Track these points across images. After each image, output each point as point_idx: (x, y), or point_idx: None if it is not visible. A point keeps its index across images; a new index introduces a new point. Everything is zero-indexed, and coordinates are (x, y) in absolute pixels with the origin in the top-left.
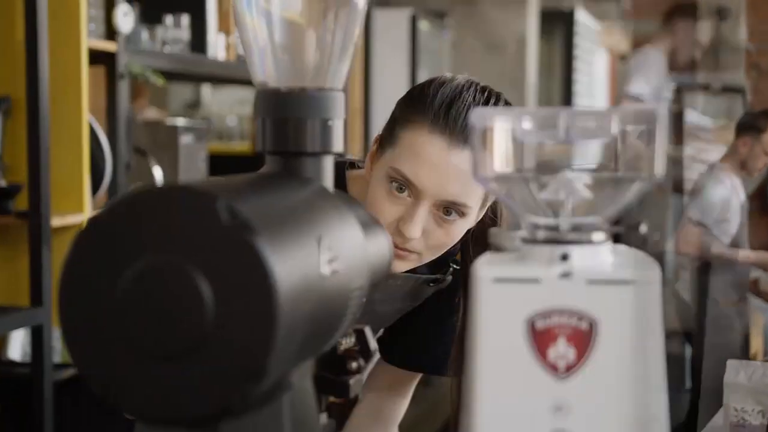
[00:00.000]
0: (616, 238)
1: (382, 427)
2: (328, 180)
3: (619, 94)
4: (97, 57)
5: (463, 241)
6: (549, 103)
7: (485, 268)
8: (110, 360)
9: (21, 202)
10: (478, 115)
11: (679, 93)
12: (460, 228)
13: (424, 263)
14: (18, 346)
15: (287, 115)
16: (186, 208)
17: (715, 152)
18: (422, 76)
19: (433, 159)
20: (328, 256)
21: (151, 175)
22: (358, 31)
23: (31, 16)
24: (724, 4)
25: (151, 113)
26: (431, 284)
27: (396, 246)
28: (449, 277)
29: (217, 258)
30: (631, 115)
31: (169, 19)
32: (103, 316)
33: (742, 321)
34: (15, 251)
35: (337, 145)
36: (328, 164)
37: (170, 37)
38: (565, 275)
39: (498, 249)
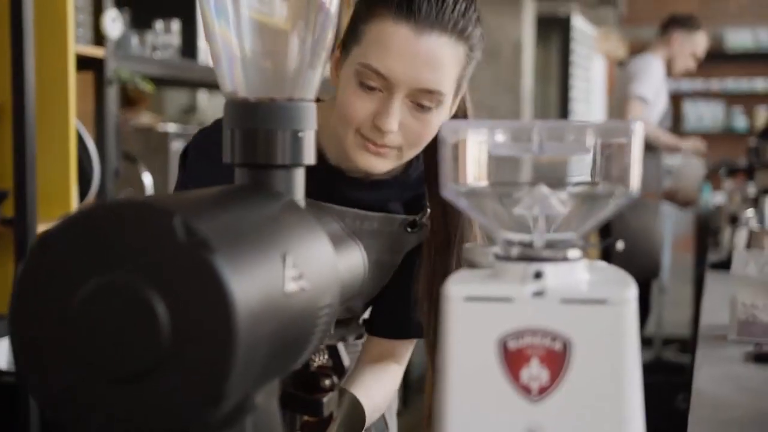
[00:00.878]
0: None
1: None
2: (299, 193)
3: (619, 96)
4: (85, 62)
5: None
6: (545, 109)
7: (456, 286)
8: (63, 381)
9: (7, 209)
10: (448, 128)
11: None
12: (436, 119)
13: (404, 161)
14: (4, 354)
15: (257, 126)
16: (142, 224)
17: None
18: None
19: (401, 48)
20: (294, 273)
21: (140, 182)
22: (330, 37)
23: (17, 21)
24: None
25: (145, 118)
26: (409, 229)
27: (374, 143)
28: (426, 223)
29: (173, 277)
30: (606, 130)
31: (159, 24)
32: (56, 336)
33: (656, 217)
34: (1, 259)
35: (308, 157)
36: (299, 176)
37: (160, 43)
38: (538, 294)
39: (471, 265)
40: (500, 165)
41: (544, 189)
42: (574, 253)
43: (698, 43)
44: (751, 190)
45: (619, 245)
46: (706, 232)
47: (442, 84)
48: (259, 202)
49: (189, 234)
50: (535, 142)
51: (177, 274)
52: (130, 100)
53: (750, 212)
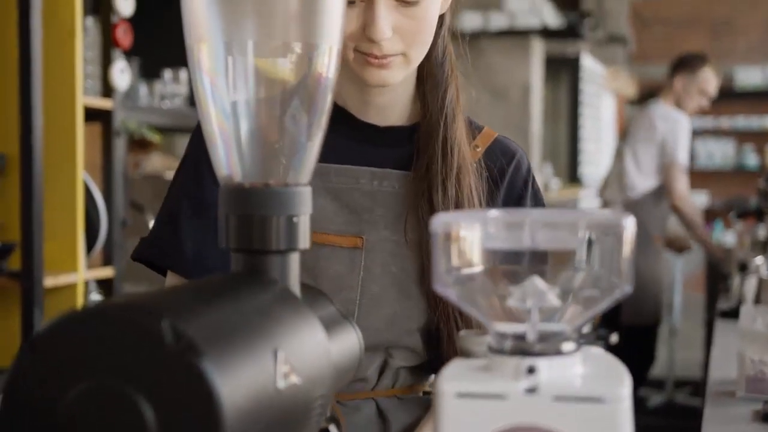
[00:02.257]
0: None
1: None
2: (294, 278)
3: (660, 160)
4: (93, 113)
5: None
6: (555, 150)
7: (449, 383)
8: None
9: (14, 262)
10: (440, 222)
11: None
12: (428, 10)
13: (414, 66)
14: None
15: (251, 212)
16: (130, 327)
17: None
18: None
19: None
20: (286, 368)
21: (148, 230)
22: (324, 121)
23: (26, 73)
24: None
25: (156, 161)
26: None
27: (375, 56)
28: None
29: (161, 381)
30: (597, 224)
31: (167, 73)
32: None
33: (661, 261)
34: (7, 312)
35: (304, 241)
36: (294, 262)
37: (168, 92)
38: (531, 390)
39: (465, 353)
40: (493, 256)
41: (537, 281)
42: (567, 346)
43: (704, 80)
44: (762, 232)
45: (613, 338)
46: (717, 274)
47: None
48: (252, 293)
49: (177, 337)
50: (527, 235)
51: (165, 378)
52: (140, 142)
53: (759, 259)
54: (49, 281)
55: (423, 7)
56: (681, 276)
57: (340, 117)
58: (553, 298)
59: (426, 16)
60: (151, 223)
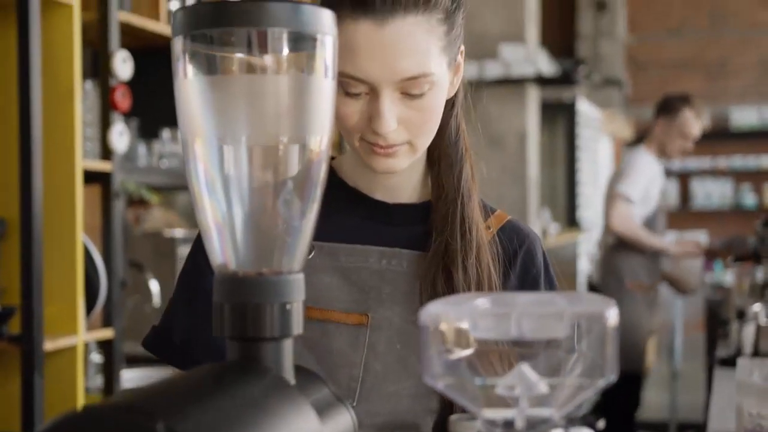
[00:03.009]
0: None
1: None
2: (288, 364)
3: (611, 190)
4: (92, 175)
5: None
6: (553, 195)
7: None
8: None
9: (14, 326)
10: (428, 314)
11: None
12: (435, 100)
13: (420, 152)
14: None
15: (245, 300)
16: (125, 430)
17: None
18: None
19: (366, 44)
20: None
21: (147, 289)
22: (315, 209)
23: (26, 138)
24: None
25: (157, 215)
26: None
27: (380, 146)
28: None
29: None
30: (582, 317)
31: (166, 133)
32: None
33: (649, 310)
34: (7, 376)
35: (297, 327)
36: (288, 348)
37: (167, 151)
38: None
39: None
40: (481, 344)
41: (525, 369)
42: None
43: (684, 122)
44: (760, 275)
45: (600, 424)
46: (716, 318)
47: (424, 65)
48: (246, 384)
49: None
50: (513, 327)
51: None
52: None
53: (757, 306)
54: (49, 345)
55: (428, 99)
56: (682, 318)
57: (351, 196)
58: (541, 386)
59: (432, 106)
60: (152, 282)
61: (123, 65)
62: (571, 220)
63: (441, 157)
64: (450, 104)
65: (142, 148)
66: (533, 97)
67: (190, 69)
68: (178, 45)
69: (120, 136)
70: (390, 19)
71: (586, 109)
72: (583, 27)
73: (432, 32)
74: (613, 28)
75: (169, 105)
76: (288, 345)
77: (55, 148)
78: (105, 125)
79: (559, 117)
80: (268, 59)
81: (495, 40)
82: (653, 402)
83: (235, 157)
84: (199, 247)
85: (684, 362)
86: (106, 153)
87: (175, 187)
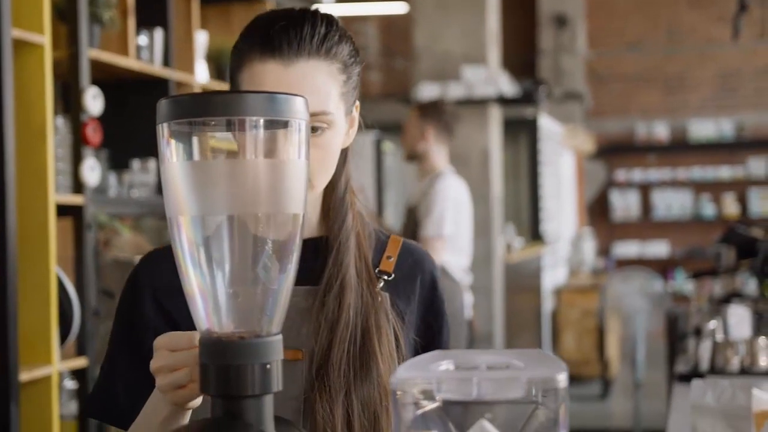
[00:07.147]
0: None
1: None
2: (268, 418)
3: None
4: (65, 209)
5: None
6: (517, 210)
7: None
8: None
9: None
10: (398, 378)
11: None
12: (332, 140)
13: (319, 191)
14: None
15: (228, 362)
16: None
17: None
18: (389, 197)
19: (272, 81)
20: None
21: None
22: (292, 275)
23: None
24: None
25: (127, 238)
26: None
27: None
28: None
29: None
30: (537, 382)
31: (136, 163)
32: None
33: None
34: None
35: (277, 384)
36: (269, 403)
37: (137, 181)
38: None
39: None
40: (445, 405)
41: (486, 425)
42: None
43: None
44: (717, 288)
45: None
46: (675, 331)
47: (324, 104)
48: None
49: None
50: (474, 389)
51: None
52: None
53: (713, 323)
54: (24, 375)
55: (326, 137)
56: (644, 329)
57: None
58: None
59: (329, 144)
60: None
61: (93, 101)
62: (534, 233)
63: (330, 208)
64: (343, 156)
65: (112, 179)
66: (495, 116)
67: (174, 153)
68: (163, 132)
69: (91, 171)
70: (294, 62)
71: (547, 124)
72: (544, 42)
73: (332, 77)
74: (574, 43)
75: (138, 136)
76: (269, 401)
77: (29, 183)
78: (77, 160)
79: (522, 133)
80: (245, 144)
81: (457, 61)
82: (617, 411)
83: (215, 231)
84: (135, 301)
85: (648, 370)
86: (78, 187)
87: (145, 214)
